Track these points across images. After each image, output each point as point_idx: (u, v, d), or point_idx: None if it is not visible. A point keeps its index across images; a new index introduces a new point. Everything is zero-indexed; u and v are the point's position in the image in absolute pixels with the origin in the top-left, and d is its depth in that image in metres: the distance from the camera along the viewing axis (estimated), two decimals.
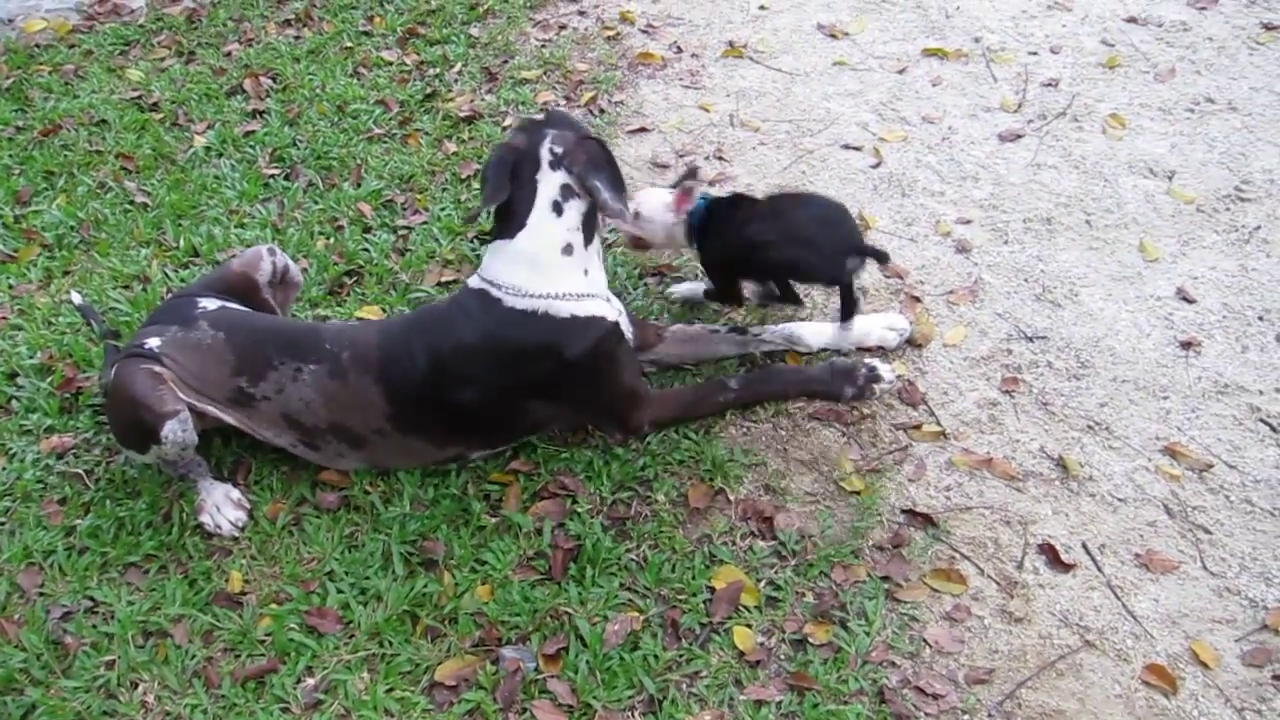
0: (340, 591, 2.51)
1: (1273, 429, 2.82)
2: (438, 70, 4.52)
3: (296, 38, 4.84)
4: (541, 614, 2.43)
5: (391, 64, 4.59)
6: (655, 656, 2.35)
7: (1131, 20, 4.62)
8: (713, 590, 2.47)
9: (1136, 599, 2.46)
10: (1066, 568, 2.52)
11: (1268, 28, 4.53)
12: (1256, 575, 2.50)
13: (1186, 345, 3.07)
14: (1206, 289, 3.26)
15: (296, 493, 2.75)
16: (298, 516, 2.71)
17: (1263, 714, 2.24)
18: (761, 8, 4.91)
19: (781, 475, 2.74)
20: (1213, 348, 3.07)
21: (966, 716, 2.25)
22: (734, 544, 2.58)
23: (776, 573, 2.52)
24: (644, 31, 4.79)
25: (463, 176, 3.85)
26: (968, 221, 3.55)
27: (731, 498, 2.68)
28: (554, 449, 2.80)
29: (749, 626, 2.41)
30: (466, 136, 4.10)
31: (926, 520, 2.62)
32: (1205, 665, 2.33)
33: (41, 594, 2.56)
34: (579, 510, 2.64)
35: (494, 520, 2.65)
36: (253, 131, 4.17)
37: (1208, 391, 2.94)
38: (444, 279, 3.37)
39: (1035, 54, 4.44)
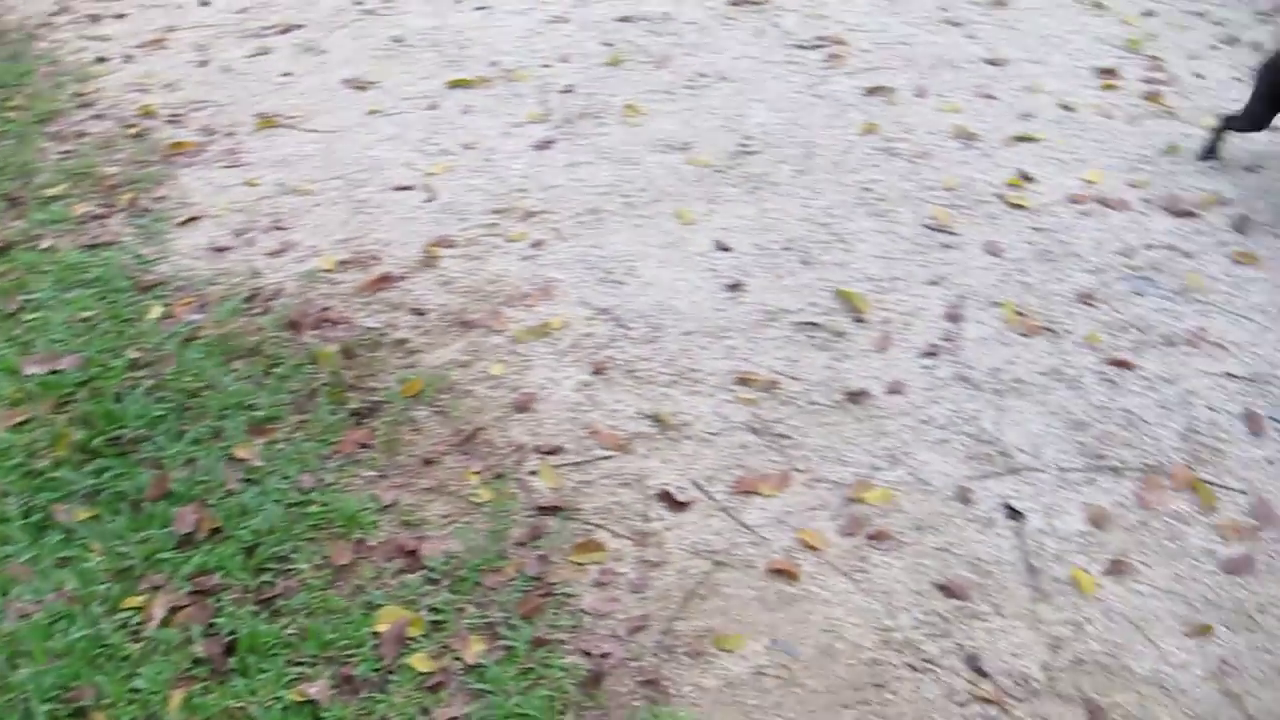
0: None
1: (812, 329, 3.28)
2: None
3: None
4: (216, 719, 2.37)
5: None
6: (340, 717, 2.37)
7: (623, 19, 5.11)
8: (378, 635, 2.52)
9: (747, 513, 2.79)
10: (684, 506, 2.80)
11: (735, 4, 5.18)
12: (833, 460, 2.91)
13: (734, 287, 3.49)
14: (738, 236, 3.71)
15: None
16: None
17: (867, 571, 2.63)
18: (284, 75, 4.94)
19: (415, 508, 2.83)
20: (755, 283, 3.51)
21: (636, 663, 2.46)
22: (386, 585, 2.64)
23: (434, 598, 2.61)
24: (170, 122, 4.67)
25: (10, 311, 3.59)
26: (525, 230, 3.80)
27: (373, 544, 2.74)
28: (183, 555, 2.71)
29: (422, 654, 2.49)
30: (2, 270, 3.82)
31: (557, 507, 2.81)
32: (814, 548, 2.69)
33: None
34: (223, 605, 2.59)
35: (138, 646, 2.54)
36: None
37: (760, 321, 3.36)
38: None
39: (548, 66, 4.80)
